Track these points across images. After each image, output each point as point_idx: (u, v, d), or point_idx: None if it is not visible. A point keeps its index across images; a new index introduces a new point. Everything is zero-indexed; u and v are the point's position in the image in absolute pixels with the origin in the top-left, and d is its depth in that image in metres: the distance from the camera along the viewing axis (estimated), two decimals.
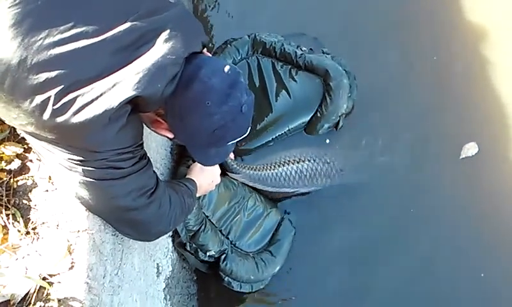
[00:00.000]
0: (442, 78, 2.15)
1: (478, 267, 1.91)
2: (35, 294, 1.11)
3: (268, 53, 2.05)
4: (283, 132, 1.99)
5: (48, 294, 1.10)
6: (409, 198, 1.99)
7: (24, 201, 1.22)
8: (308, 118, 2.01)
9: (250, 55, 2.07)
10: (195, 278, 1.93)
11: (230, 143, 1.27)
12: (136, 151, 1.14)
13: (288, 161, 1.93)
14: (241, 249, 1.85)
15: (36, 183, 1.24)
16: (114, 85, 1.02)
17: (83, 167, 1.07)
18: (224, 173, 1.82)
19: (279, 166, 1.92)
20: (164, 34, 1.09)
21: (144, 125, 1.23)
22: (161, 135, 1.27)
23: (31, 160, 1.27)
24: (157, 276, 1.60)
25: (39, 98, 1.00)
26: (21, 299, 1.10)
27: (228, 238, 1.83)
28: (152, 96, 1.06)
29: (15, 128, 1.27)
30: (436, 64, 2.17)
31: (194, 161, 1.66)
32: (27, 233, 1.18)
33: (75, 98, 1.00)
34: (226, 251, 1.78)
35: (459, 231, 1.96)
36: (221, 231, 1.83)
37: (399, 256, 1.92)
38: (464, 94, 2.13)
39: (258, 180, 1.89)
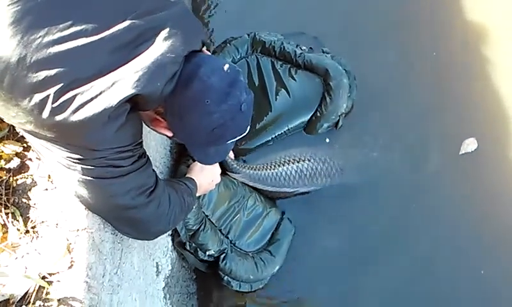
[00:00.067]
0: (442, 78, 2.15)
1: (478, 267, 1.90)
2: (34, 293, 1.10)
3: (267, 52, 2.04)
4: (282, 131, 1.99)
5: (47, 293, 1.10)
6: (409, 198, 1.98)
7: (23, 200, 1.22)
8: (308, 118, 2.00)
9: (250, 54, 2.06)
10: (194, 277, 1.93)
11: (229, 142, 1.27)
12: (135, 149, 1.14)
13: (288, 161, 1.93)
14: (241, 249, 1.85)
15: (35, 182, 1.24)
16: (114, 83, 1.02)
17: (82, 166, 1.07)
18: (224, 172, 1.81)
19: (279, 166, 1.91)
20: (164, 33, 1.09)
21: (143, 124, 1.23)
22: (160, 133, 1.27)
23: (30, 159, 1.27)
24: (157, 275, 1.60)
25: (38, 97, 1.00)
26: (20, 298, 1.10)
27: (227, 238, 1.83)
28: (151, 95, 1.06)
29: (14, 127, 1.27)
30: (436, 64, 2.17)
31: (194, 160, 1.66)
32: (27, 231, 1.18)
33: (74, 97, 1.00)
34: (225, 251, 1.78)
35: (459, 231, 1.95)
36: (220, 230, 1.82)
37: (399, 256, 1.91)
38: (464, 94, 2.13)
39: (258, 179, 1.89)
